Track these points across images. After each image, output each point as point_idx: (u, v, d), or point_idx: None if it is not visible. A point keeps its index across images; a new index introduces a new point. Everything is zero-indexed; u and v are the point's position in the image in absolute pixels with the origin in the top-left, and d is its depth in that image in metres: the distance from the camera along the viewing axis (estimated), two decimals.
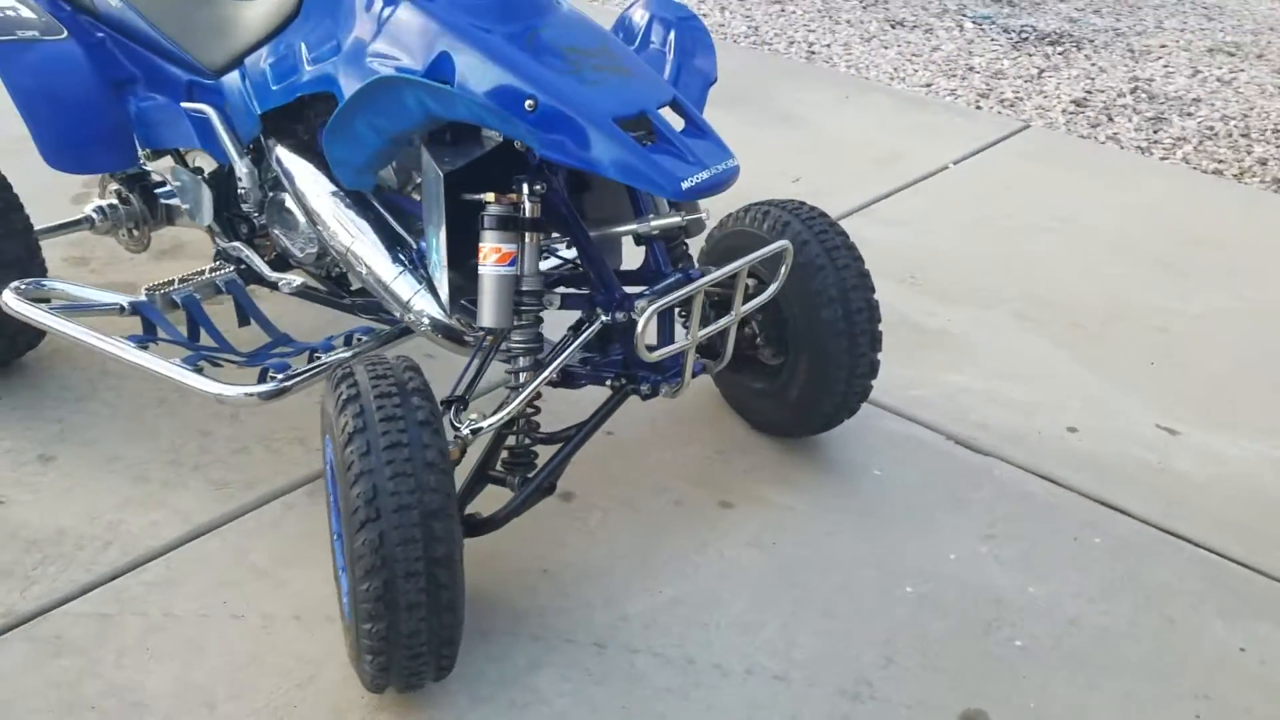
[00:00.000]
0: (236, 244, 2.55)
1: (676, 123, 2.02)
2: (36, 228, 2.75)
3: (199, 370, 2.19)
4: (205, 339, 2.42)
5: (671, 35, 2.32)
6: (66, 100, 2.40)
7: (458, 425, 1.98)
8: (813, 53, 6.01)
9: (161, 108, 2.50)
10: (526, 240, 2.03)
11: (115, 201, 2.78)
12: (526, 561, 2.27)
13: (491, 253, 1.99)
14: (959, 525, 2.48)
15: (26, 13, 2.42)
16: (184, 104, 2.44)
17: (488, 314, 2.00)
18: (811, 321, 2.43)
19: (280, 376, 2.18)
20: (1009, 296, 3.49)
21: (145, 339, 2.29)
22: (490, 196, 1.99)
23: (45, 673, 1.95)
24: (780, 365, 2.54)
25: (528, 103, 1.93)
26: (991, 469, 2.68)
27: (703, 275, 2.16)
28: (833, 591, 2.28)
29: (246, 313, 2.48)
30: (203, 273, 2.50)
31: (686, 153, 1.95)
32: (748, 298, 2.30)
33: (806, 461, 2.65)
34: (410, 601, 1.69)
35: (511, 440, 2.09)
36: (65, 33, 2.42)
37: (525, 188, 2.00)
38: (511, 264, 2.00)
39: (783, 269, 2.29)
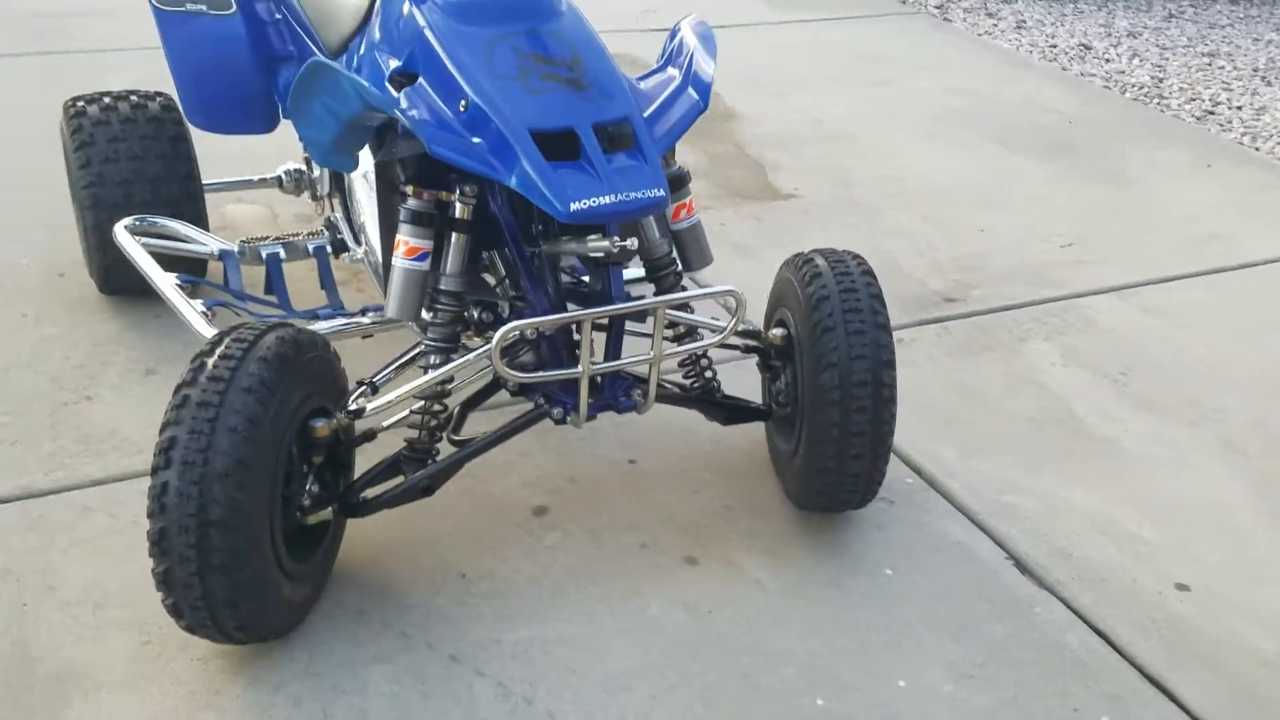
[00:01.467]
0: (335, 214, 2.77)
1: (625, 143, 1.93)
2: (233, 179, 3.16)
3: (209, 316, 2.41)
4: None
5: (685, 57, 2.18)
6: (217, 70, 2.72)
7: (345, 407, 2.02)
8: (1210, 113, 5.26)
9: None
10: (452, 239, 2.03)
11: (302, 166, 3.11)
12: (451, 561, 2.26)
13: (400, 244, 2.00)
14: (937, 654, 2.11)
15: None
16: None
17: (392, 305, 2.02)
18: (811, 383, 2.19)
19: None
20: (1231, 421, 2.87)
21: (192, 280, 2.56)
22: (410, 189, 2.00)
23: (5, 542, 2.26)
24: (792, 424, 2.31)
25: (461, 103, 1.93)
26: (1033, 605, 2.24)
27: (625, 303, 2.03)
28: (733, 679, 2.03)
29: (292, 278, 2.62)
30: (299, 234, 2.74)
31: (598, 175, 1.85)
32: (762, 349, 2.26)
33: (814, 541, 2.37)
34: (181, 555, 1.77)
35: (413, 434, 2.09)
36: (234, 8, 2.74)
37: (457, 189, 2.00)
38: (420, 258, 2.00)
39: (733, 319, 2.09)
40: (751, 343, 2.36)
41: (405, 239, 1.99)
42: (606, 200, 1.84)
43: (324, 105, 2.04)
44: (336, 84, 1.95)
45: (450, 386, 2.09)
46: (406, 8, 2.09)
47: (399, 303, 2.01)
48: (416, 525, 2.33)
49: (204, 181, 3.00)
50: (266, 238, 2.73)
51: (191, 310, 2.40)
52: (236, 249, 2.68)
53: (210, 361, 1.83)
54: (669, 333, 2.27)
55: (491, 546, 2.30)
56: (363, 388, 2.07)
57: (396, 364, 2.13)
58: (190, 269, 2.78)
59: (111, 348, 2.89)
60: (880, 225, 3.85)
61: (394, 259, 2.00)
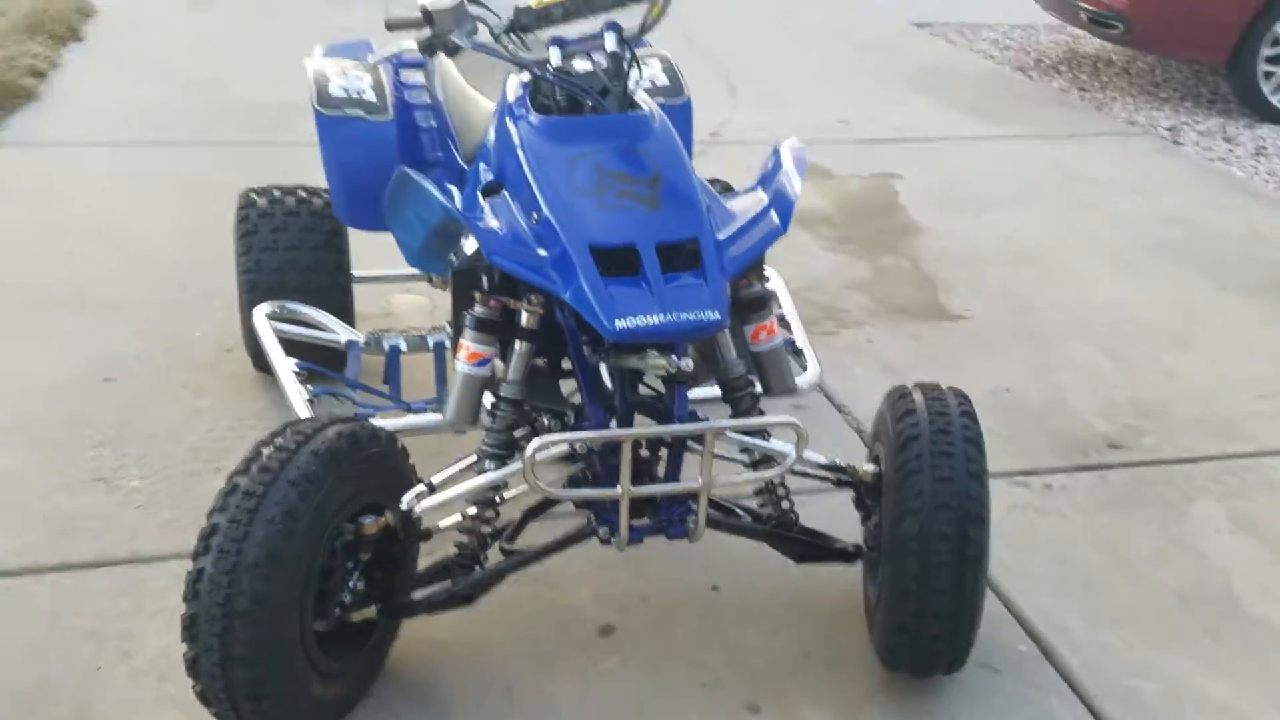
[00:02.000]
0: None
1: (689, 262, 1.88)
2: (386, 272, 3.28)
3: (314, 401, 2.48)
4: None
5: (776, 179, 2.11)
6: (367, 171, 2.83)
7: (399, 507, 2.02)
8: None
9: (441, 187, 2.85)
10: (516, 347, 2.01)
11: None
12: (502, 673, 2.19)
13: (463, 348, 2.00)
14: None
15: (369, 95, 2.89)
16: (448, 185, 2.77)
17: (450, 408, 2.02)
18: (892, 529, 2.03)
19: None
20: None
21: (310, 366, 2.64)
22: (479, 296, 2.00)
23: (100, 603, 2.37)
24: (876, 570, 2.14)
25: (534, 216, 1.94)
26: None
27: (690, 425, 1.94)
28: None
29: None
30: (425, 329, 2.80)
31: (653, 293, 1.80)
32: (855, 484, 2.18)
33: (895, 705, 2.18)
34: (207, 644, 1.79)
35: (463, 539, 2.06)
36: (390, 115, 2.85)
37: (525, 298, 1.99)
38: (480, 364, 1.99)
39: (795, 453, 1.96)
40: (842, 477, 2.22)
41: (467, 344, 1.99)
42: (655, 320, 1.79)
43: (414, 211, 2.07)
44: (421, 192, 1.99)
45: (507, 494, 2.05)
46: (508, 123, 2.12)
47: (456, 407, 2.01)
48: (477, 630, 2.29)
49: (355, 274, 3.13)
50: (390, 330, 2.80)
51: (298, 394, 2.48)
52: (362, 340, 2.77)
53: (266, 451, 1.87)
54: (745, 458, 2.16)
55: (546, 663, 2.23)
56: (420, 487, 2.06)
57: (459, 466, 2.11)
58: (325, 356, 2.88)
59: (251, 423, 3.02)
60: (1054, 357, 3.59)
61: (456, 362, 2.00)
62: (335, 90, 2.77)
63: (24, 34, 5.95)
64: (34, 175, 4.65)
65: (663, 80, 3.07)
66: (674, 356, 1.93)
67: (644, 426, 1.96)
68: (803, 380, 2.62)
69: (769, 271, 3.04)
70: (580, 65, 2.18)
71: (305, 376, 2.60)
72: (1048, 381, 3.42)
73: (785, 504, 2.20)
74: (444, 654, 2.24)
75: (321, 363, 2.73)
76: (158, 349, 3.35)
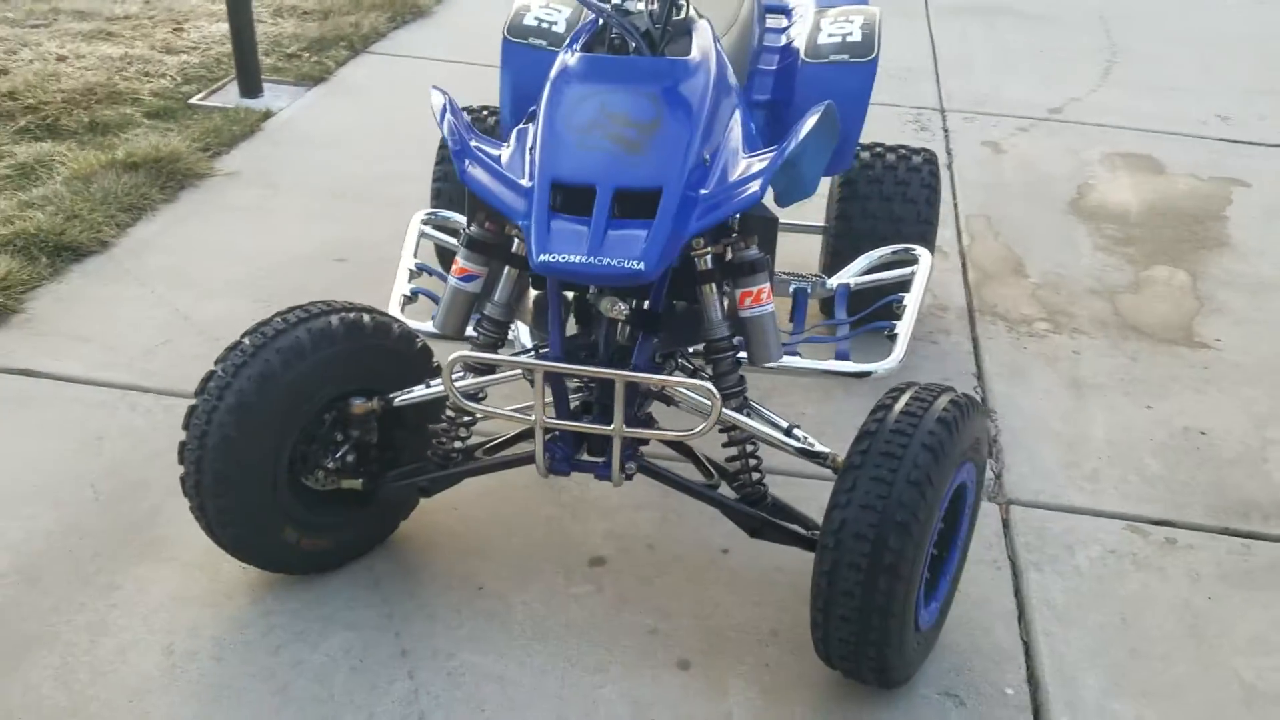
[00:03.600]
0: None
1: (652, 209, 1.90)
2: None
3: (406, 298, 2.69)
4: None
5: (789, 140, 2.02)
6: (533, 98, 3.00)
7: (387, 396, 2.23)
8: None
9: None
10: (504, 271, 2.13)
11: None
12: (483, 573, 2.36)
13: (455, 263, 2.15)
14: None
15: (559, 28, 2.95)
16: None
17: (438, 318, 2.18)
18: (823, 522, 1.95)
19: None
20: None
21: (424, 267, 2.86)
22: (478, 217, 2.13)
23: None
24: None
25: (531, 144, 2.05)
26: None
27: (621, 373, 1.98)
28: None
29: None
30: None
31: (591, 236, 1.86)
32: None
33: (826, 705, 2.09)
34: (187, 467, 2.11)
35: (440, 440, 2.23)
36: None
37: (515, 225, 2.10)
38: (466, 279, 2.13)
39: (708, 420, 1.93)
40: (820, 463, 2.13)
41: (459, 259, 2.14)
42: (576, 259, 1.84)
43: None
44: None
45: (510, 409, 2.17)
46: (560, 56, 2.21)
47: (443, 317, 2.16)
48: (482, 530, 2.47)
49: None
50: None
51: (399, 289, 2.72)
52: None
53: (274, 321, 2.15)
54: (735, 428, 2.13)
55: (526, 574, 2.37)
56: (424, 382, 2.25)
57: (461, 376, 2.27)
58: None
59: None
60: None
61: (449, 276, 2.16)
62: (528, 21, 2.97)
63: None
64: (394, 82, 5.29)
65: (855, 37, 2.97)
66: (618, 301, 1.96)
67: (564, 364, 2.02)
68: (878, 365, 2.50)
69: (918, 251, 2.89)
70: (641, 7, 2.20)
71: (416, 274, 2.84)
72: (1260, 435, 2.95)
73: (755, 475, 2.16)
74: (443, 543, 2.45)
75: None
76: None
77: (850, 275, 2.91)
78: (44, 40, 5.29)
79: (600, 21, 2.26)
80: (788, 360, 2.43)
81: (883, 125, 4.89)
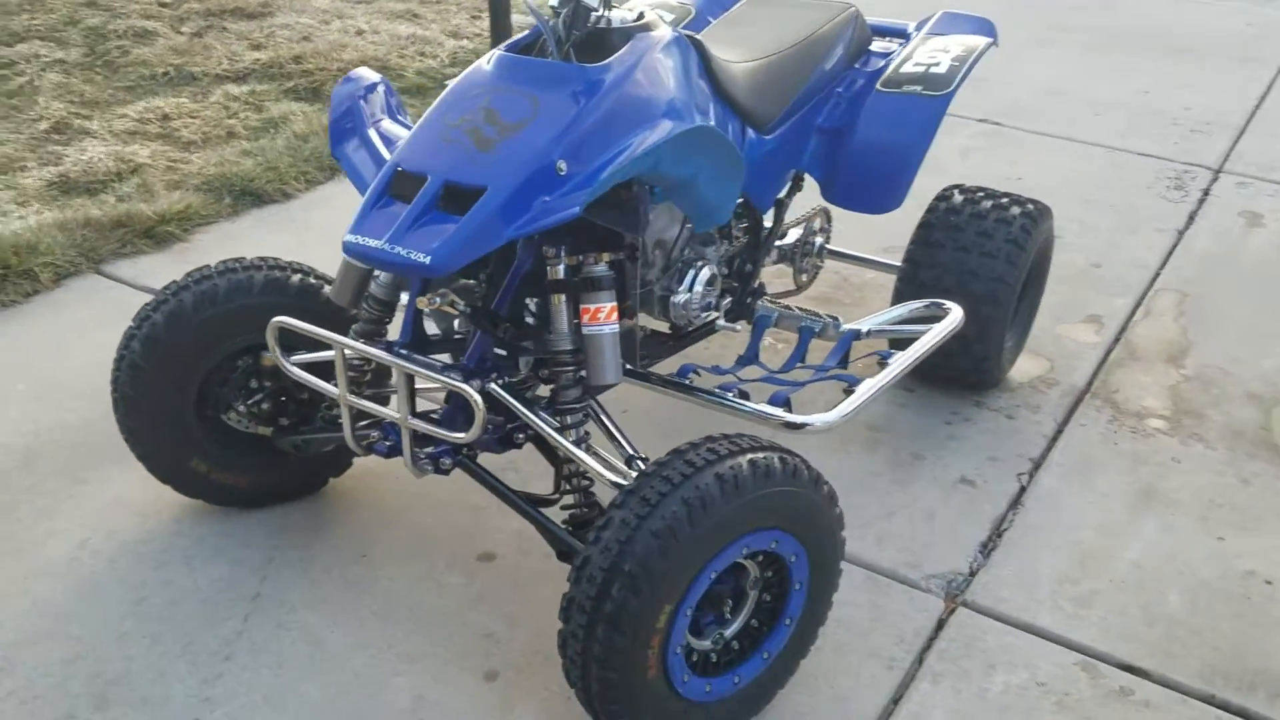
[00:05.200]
0: None
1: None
2: None
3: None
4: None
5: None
6: None
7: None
8: None
9: None
10: None
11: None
12: (377, 542, 2.43)
13: None
14: None
15: None
16: None
17: (333, 288, 2.26)
18: None
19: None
20: None
21: None
22: None
23: None
24: None
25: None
26: None
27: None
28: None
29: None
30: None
31: (401, 225, 1.87)
32: None
33: None
34: (111, 381, 2.35)
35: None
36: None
37: None
38: None
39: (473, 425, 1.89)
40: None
41: None
42: (373, 244, 1.86)
43: None
44: None
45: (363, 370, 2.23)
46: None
47: (336, 288, 2.22)
48: (409, 504, 2.55)
49: None
50: None
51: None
52: None
53: (206, 268, 2.33)
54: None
55: (412, 556, 2.42)
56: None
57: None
58: None
59: None
60: None
61: None
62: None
63: None
64: None
65: (940, 68, 2.73)
66: (438, 296, 1.97)
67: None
68: (814, 419, 2.27)
69: (948, 306, 2.64)
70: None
71: None
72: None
73: (584, 497, 2.07)
74: (364, 507, 2.55)
75: None
76: None
77: (869, 322, 2.67)
78: (357, 16, 5.94)
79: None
80: (721, 394, 2.30)
81: (1128, 177, 4.41)
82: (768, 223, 2.80)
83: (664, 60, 2.13)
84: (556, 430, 2.04)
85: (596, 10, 2.06)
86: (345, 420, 2.10)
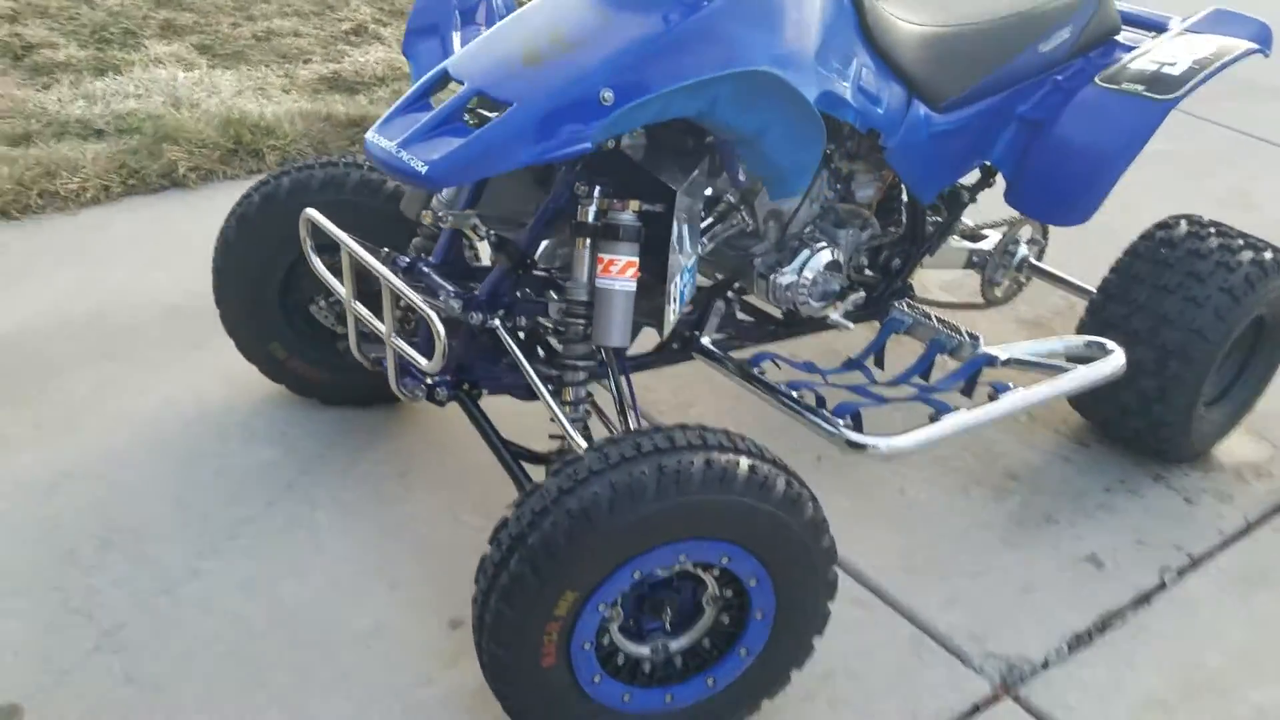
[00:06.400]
0: None
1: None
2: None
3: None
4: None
5: None
6: None
7: None
8: None
9: None
10: None
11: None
12: (397, 477, 2.37)
13: None
14: None
15: None
16: None
17: (404, 199, 2.19)
18: None
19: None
20: None
21: None
22: None
23: None
24: None
25: None
26: None
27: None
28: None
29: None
30: None
31: (419, 130, 1.77)
32: None
33: None
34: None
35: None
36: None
37: None
38: None
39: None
40: None
41: None
42: (384, 145, 1.76)
43: None
44: None
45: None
46: None
47: (406, 200, 2.15)
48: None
49: None
50: None
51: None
52: None
53: (315, 160, 2.35)
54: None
55: (449, 488, 2.34)
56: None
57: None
58: None
59: None
60: None
61: None
62: None
63: None
64: None
65: (1175, 69, 2.28)
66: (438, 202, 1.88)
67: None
68: (879, 441, 1.97)
69: (1111, 346, 2.24)
70: None
71: None
72: None
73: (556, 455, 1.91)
74: (416, 428, 2.50)
75: None
76: None
77: (1012, 350, 2.28)
78: None
79: None
80: (785, 393, 2.06)
81: None
82: (937, 217, 2.47)
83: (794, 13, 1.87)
84: (542, 381, 1.88)
85: None
86: (350, 326, 2.03)
